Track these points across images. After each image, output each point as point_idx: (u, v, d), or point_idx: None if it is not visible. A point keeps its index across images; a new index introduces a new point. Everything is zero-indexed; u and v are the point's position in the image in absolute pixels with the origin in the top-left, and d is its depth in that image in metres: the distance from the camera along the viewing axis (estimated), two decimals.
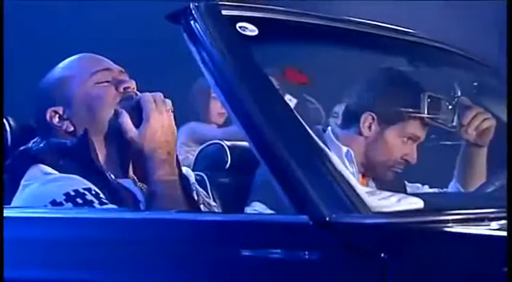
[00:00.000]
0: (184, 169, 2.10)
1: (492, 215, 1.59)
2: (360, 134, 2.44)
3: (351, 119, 2.46)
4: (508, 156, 1.87)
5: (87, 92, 1.99)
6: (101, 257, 1.70)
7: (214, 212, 2.06)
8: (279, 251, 1.57)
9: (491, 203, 1.72)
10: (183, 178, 2.03)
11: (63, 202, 1.85)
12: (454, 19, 4.11)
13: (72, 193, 1.87)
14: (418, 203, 1.63)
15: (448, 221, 1.56)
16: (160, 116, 1.96)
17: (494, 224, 1.56)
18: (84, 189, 1.87)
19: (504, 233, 1.50)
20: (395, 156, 2.44)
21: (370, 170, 2.47)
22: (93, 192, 1.88)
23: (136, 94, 2.00)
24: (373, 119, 2.43)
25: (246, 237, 1.62)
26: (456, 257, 1.46)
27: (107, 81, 2.01)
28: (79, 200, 1.86)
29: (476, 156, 2.39)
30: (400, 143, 2.43)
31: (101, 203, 1.86)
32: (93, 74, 2.01)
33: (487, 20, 3.80)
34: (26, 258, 1.75)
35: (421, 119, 2.40)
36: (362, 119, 2.43)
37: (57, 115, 2.00)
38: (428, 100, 2.26)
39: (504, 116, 2.20)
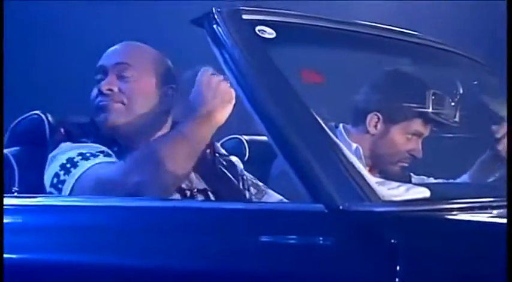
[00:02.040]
0: (234, 158, 2.12)
1: (493, 204, 1.59)
2: (367, 132, 2.45)
3: (358, 118, 2.47)
4: (508, 156, 1.86)
5: None
6: (141, 243, 1.70)
7: (239, 201, 2.04)
8: (297, 236, 1.58)
9: (492, 193, 1.71)
10: (233, 165, 2.08)
11: (77, 159, 1.92)
12: (454, 19, 4.02)
13: (87, 153, 1.94)
14: (424, 192, 1.63)
15: (452, 209, 1.58)
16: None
17: (495, 212, 1.57)
18: (98, 151, 1.94)
19: (503, 220, 1.49)
20: (402, 152, 2.45)
21: (378, 165, 2.47)
22: (105, 152, 1.94)
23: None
24: (378, 118, 2.45)
25: (267, 224, 1.62)
26: (459, 240, 1.46)
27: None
28: (91, 157, 1.93)
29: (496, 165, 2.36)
30: (405, 139, 2.45)
31: (108, 155, 1.94)
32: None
33: (487, 21, 3.70)
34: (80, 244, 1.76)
35: (424, 116, 2.40)
36: (368, 119, 2.45)
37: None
38: (433, 97, 2.26)
39: (502, 112, 2.16)
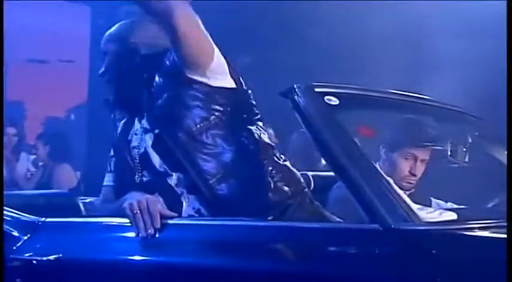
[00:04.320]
0: None
1: (501, 224, 1.76)
2: (381, 157, 2.76)
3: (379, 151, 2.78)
4: (508, 157, 1.97)
5: None
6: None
7: (314, 221, 2.12)
8: (358, 248, 1.78)
9: (500, 215, 1.87)
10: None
11: None
12: (454, 19, 3.90)
13: None
14: (452, 215, 1.88)
15: (474, 228, 1.78)
16: None
17: (502, 230, 1.73)
18: None
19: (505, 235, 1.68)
20: (403, 171, 2.72)
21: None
22: None
23: None
24: (383, 147, 2.77)
25: (336, 239, 1.83)
26: (480, 250, 1.70)
27: None
28: None
29: None
30: (404, 161, 2.72)
31: None
32: None
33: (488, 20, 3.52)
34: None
35: (415, 143, 2.66)
36: (380, 148, 2.77)
37: None
38: (450, 144, 2.43)
39: (498, 156, 2.32)
